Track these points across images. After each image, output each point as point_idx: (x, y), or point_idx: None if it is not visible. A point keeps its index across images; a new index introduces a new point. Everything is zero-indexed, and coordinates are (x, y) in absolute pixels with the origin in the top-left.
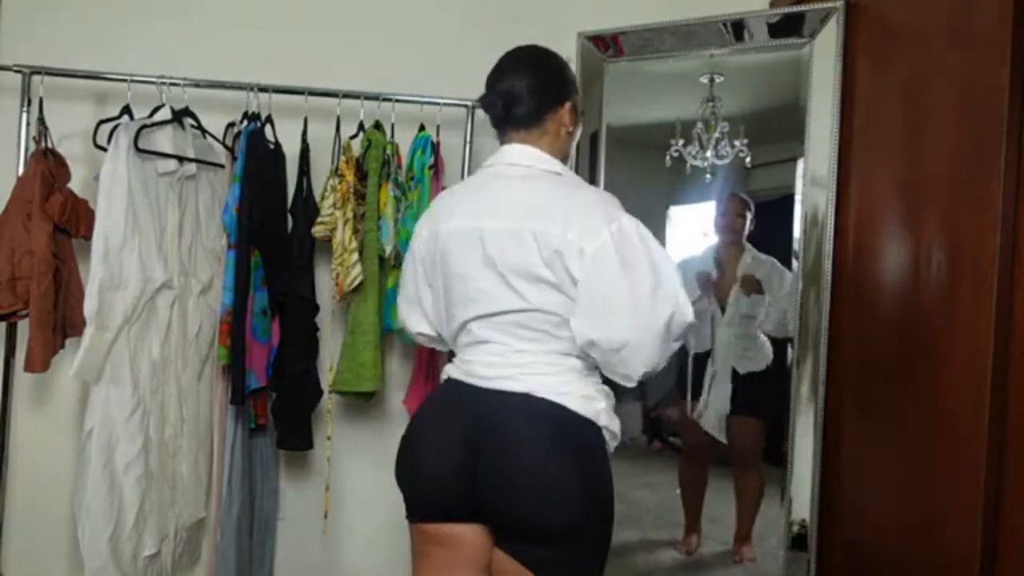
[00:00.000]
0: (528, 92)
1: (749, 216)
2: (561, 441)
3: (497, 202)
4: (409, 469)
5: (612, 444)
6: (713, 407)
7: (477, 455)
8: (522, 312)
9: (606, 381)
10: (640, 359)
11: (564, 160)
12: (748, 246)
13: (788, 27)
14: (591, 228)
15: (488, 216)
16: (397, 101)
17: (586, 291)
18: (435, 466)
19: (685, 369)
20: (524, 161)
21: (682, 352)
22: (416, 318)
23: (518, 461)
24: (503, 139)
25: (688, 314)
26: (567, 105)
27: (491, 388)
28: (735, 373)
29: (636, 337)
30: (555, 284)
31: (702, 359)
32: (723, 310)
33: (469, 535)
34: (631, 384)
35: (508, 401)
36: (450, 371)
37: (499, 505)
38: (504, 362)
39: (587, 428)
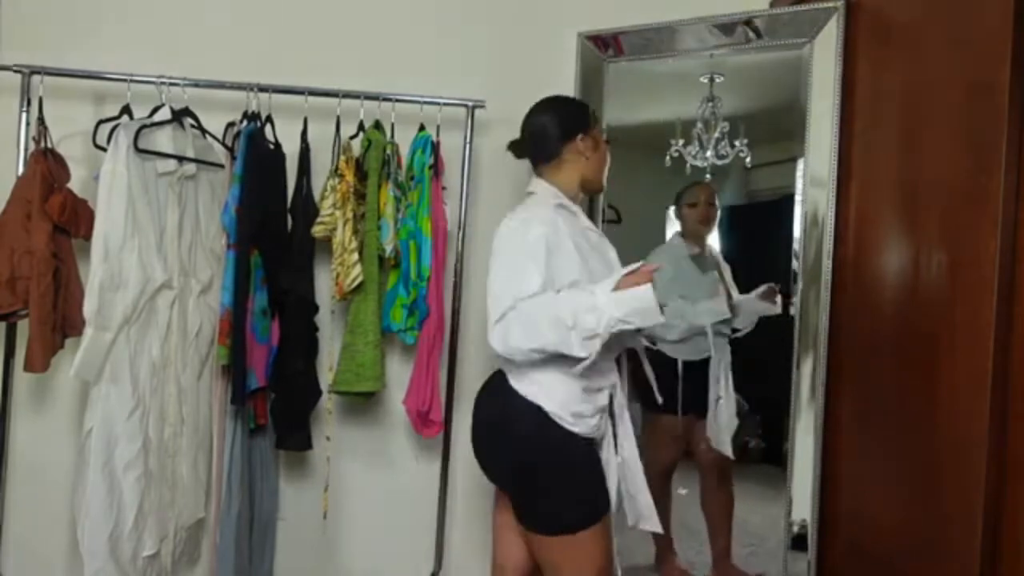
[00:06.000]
0: (544, 131)
1: (718, 204)
2: (503, 408)
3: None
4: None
5: (569, 422)
6: (722, 426)
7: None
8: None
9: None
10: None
11: (596, 180)
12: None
13: (788, 27)
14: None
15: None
16: (397, 101)
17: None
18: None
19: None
20: (529, 189)
21: (671, 362)
22: None
23: (477, 423)
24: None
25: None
26: (579, 137)
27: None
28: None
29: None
30: None
31: (689, 365)
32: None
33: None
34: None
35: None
36: None
37: (479, 459)
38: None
39: (529, 407)
